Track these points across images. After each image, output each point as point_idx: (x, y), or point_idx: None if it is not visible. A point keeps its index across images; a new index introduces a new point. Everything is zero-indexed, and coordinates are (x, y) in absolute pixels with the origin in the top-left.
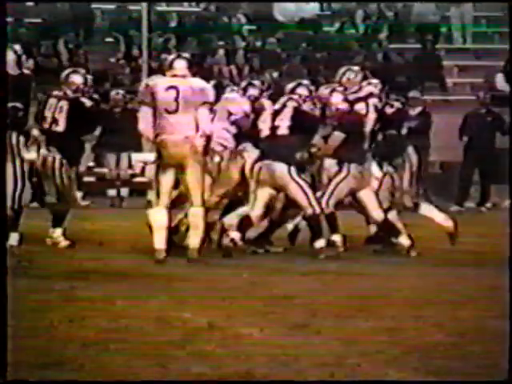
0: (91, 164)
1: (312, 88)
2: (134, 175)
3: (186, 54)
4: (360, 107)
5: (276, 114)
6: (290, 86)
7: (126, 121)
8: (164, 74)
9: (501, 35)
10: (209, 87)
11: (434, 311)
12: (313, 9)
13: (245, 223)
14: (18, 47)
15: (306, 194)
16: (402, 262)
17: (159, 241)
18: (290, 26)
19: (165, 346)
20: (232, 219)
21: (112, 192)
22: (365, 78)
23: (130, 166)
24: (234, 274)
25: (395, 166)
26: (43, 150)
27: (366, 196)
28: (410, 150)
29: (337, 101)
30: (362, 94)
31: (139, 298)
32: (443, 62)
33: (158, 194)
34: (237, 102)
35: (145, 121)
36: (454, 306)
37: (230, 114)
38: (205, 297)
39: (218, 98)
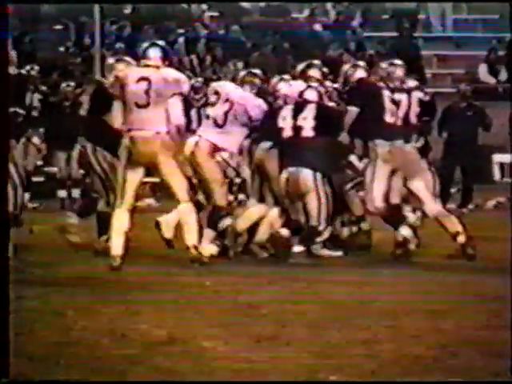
0: (39, 163)
1: (324, 69)
2: (86, 175)
3: (161, 42)
4: (400, 98)
5: (297, 110)
6: (299, 67)
7: (77, 115)
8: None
9: (484, 23)
10: (184, 78)
11: (413, 321)
12: None
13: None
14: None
15: (319, 208)
16: (378, 269)
17: (116, 246)
18: (256, 11)
19: (120, 360)
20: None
21: (62, 193)
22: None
23: None
24: (196, 281)
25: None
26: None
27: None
28: None
29: (360, 76)
30: (404, 86)
31: (92, 308)
32: (421, 51)
33: (121, 195)
34: (251, 102)
35: (119, 117)
36: (434, 316)
37: (250, 118)
38: (164, 307)
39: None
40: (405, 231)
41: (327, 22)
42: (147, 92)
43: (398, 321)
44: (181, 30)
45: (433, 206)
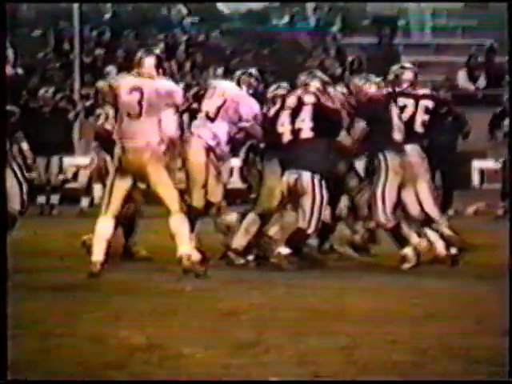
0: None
1: (326, 79)
2: (65, 181)
3: (157, 51)
4: (405, 103)
5: (294, 113)
6: (301, 79)
7: (57, 121)
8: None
9: (463, 29)
10: (177, 89)
11: (393, 327)
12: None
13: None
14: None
15: (312, 210)
16: (357, 274)
17: (97, 252)
18: (236, 18)
19: (100, 367)
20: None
21: (41, 199)
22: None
23: (61, 171)
24: (176, 287)
25: None
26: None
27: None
28: None
29: (370, 90)
30: (412, 91)
31: (72, 314)
32: (401, 57)
33: (107, 202)
34: (244, 101)
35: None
36: (414, 322)
37: (240, 117)
38: (144, 313)
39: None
40: (407, 250)
41: (307, 28)
42: (139, 103)
43: (378, 326)
44: (161, 36)
45: (433, 212)
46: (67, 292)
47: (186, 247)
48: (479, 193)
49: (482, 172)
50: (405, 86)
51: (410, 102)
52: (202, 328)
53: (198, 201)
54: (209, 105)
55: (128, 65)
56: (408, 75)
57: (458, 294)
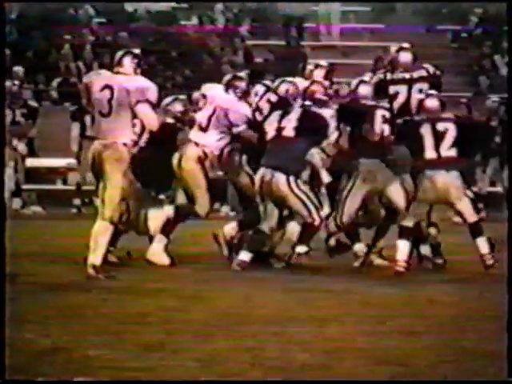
0: None
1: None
2: None
3: (136, 51)
4: (396, 90)
5: (284, 115)
6: (275, 84)
7: None
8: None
9: (371, 32)
10: (150, 86)
11: (299, 328)
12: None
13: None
14: None
15: (305, 205)
16: (264, 277)
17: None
18: (143, 18)
19: (4, 370)
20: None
21: None
22: (415, 59)
23: None
24: (82, 289)
25: None
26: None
27: (393, 193)
28: None
29: (364, 93)
30: (406, 76)
31: None
32: (308, 59)
33: (102, 205)
34: (234, 106)
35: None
36: (320, 324)
37: (231, 123)
38: (49, 315)
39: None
40: (358, 247)
41: (216, 29)
42: (109, 101)
43: (284, 328)
44: (68, 36)
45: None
46: None
47: (96, 257)
48: None
49: None
50: (400, 70)
51: (402, 89)
52: (109, 329)
53: (203, 206)
54: (201, 115)
55: (36, 65)
56: (404, 57)
57: (362, 296)
